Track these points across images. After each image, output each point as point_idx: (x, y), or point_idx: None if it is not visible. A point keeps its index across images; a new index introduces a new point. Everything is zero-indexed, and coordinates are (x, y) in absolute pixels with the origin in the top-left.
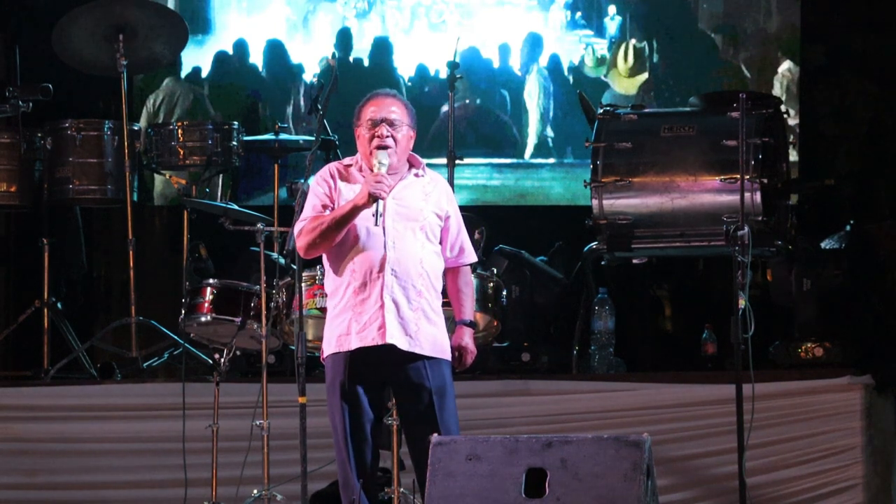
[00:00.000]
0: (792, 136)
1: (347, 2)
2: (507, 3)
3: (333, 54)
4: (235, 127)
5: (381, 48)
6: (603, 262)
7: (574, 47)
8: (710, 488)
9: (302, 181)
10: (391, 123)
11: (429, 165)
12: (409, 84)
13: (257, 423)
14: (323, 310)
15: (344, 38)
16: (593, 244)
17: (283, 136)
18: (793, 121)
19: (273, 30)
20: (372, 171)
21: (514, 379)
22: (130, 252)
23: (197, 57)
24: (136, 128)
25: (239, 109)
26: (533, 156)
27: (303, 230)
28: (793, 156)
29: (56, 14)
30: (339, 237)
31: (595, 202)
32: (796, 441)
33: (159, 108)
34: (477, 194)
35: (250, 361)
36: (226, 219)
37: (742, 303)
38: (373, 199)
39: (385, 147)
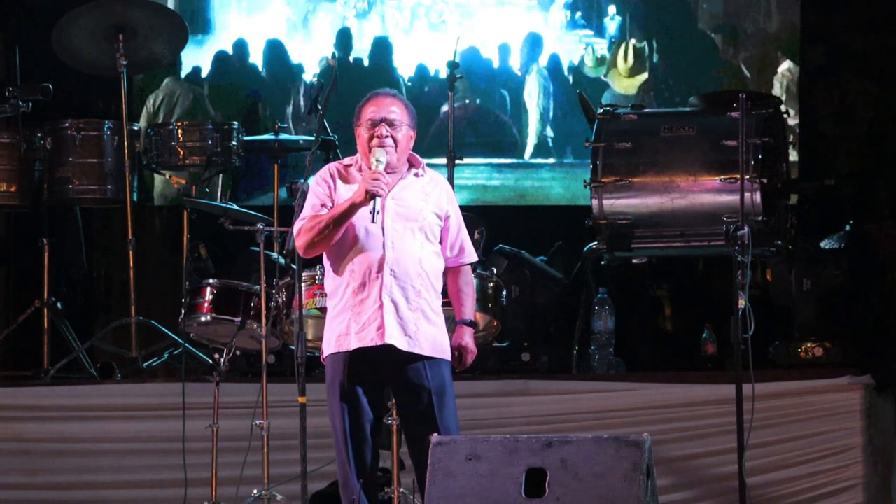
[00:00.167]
0: (792, 136)
1: (347, 2)
2: (507, 3)
3: (333, 54)
4: (235, 127)
5: (381, 48)
6: (603, 262)
7: (574, 47)
8: (710, 488)
9: (302, 181)
10: (391, 123)
11: (429, 165)
12: (409, 84)
13: (257, 423)
14: (323, 310)
15: (344, 38)
16: (593, 244)
17: (282, 136)
18: (793, 121)
19: (273, 30)
20: (370, 169)
21: (514, 379)
22: (130, 252)
23: (197, 57)
24: (135, 128)
25: (239, 109)
26: (533, 156)
27: (302, 229)
28: (793, 156)
29: (56, 14)
30: (337, 236)
31: (595, 202)
32: (796, 441)
33: (159, 108)
34: (477, 194)
35: (250, 361)
36: (226, 219)
37: (742, 303)
38: (370, 196)
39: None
